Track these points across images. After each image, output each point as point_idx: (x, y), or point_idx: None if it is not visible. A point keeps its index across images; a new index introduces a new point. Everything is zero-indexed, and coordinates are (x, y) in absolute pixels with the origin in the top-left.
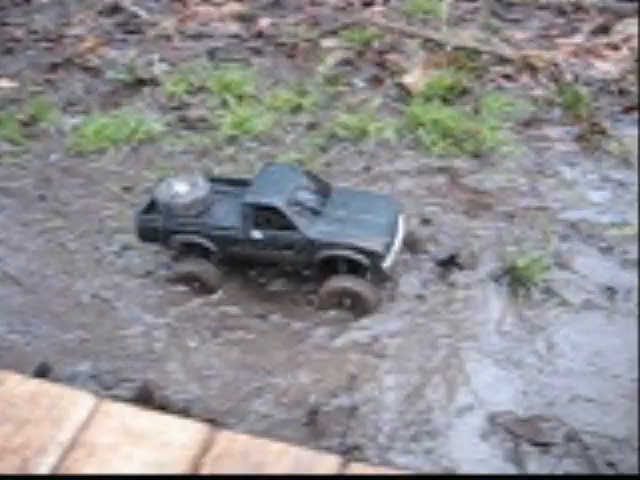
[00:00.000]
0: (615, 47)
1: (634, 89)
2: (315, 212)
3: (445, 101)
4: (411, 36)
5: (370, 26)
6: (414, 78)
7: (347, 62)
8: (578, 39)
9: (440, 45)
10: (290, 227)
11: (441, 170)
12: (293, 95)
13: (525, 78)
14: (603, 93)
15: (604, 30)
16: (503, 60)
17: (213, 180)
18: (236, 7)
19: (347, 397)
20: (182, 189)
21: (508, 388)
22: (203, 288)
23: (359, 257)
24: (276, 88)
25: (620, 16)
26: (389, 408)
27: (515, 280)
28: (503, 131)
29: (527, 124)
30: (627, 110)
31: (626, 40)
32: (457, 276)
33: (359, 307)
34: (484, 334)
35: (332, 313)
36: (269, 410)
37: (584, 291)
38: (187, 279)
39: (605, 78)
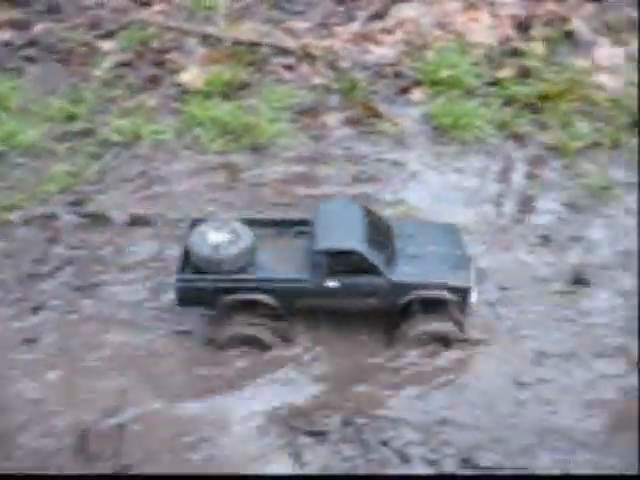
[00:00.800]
0: (389, 31)
1: (408, 71)
2: (389, 252)
3: (225, 96)
4: (189, 33)
5: (149, 26)
6: (192, 75)
7: (125, 64)
8: (355, 26)
9: (220, 40)
10: (372, 271)
11: (220, 167)
12: (67, 103)
13: (305, 68)
14: (379, 77)
15: (380, 16)
16: (283, 51)
17: (247, 223)
18: (9, 13)
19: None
20: (221, 238)
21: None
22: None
23: (447, 295)
24: (50, 97)
25: (395, 1)
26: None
27: None
28: (282, 122)
29: (306, 113)
30: (402, 91)
31: (400, 24)
32: None
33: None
34: None
35: None
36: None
37: None
38: (242, 341)
39: (381, 62)
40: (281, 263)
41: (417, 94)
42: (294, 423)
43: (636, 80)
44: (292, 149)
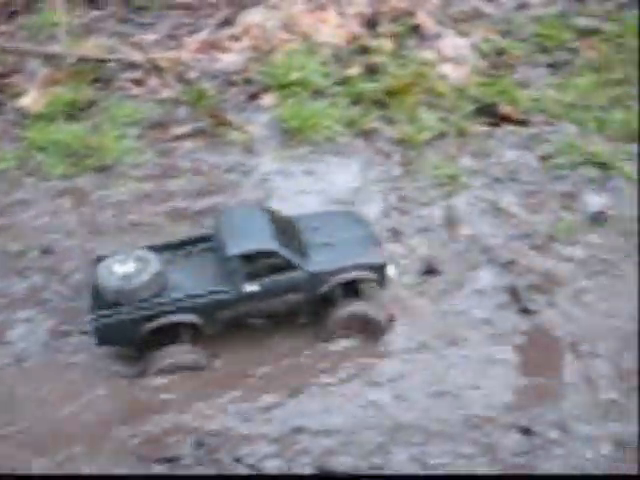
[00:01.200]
0: (237, 38)
1: (257, 77)
2: (300, 246)
3: (70, 117)
4: (31, 54)
5: None
6: (32, 99)
7: None
8: (203, 35)
9: (64, 59)
10: (288, 267)
11: (66, 192)
12: None
13: (153, 81)
14: (228, 85)
15: (228, 23)
16: (130, 65)
17: (149, 250)
18: None
19: None
20: (128, 268)
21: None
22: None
23: (366, 274)
24: None
25: (244, 7)
26: None
27: None
28: (129, 139)
29: (154, 127)
30: (252, 98)
31: (247, 30)
32: None
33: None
34: None
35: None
36: None
37: None
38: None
39: (229, 70)
40: (195, 281)
41: (267, 99)
42: (144, 452)
43: (481, 68)
44: (140, 166)
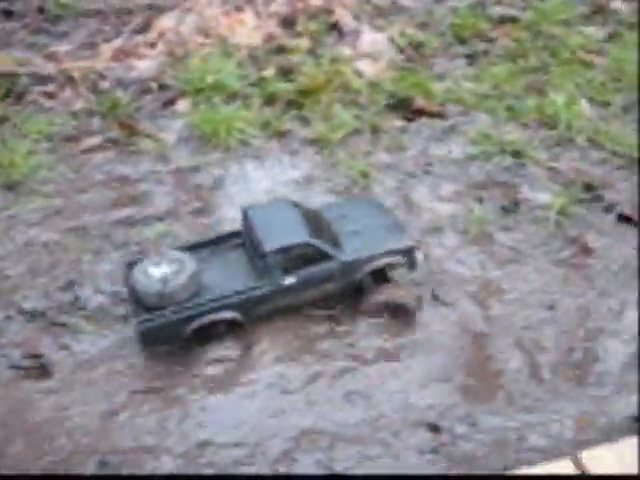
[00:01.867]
0: (152, 44)
1: (173, 82)
2: (330, 236)
3: None
4: None
5: None
6: None
7: None
8: (118, 42)
9: None
10: (323, 258)
11: None
12: None
13: (67, 93)
14: (143, 92)
15: (144, 29)
16: (43, 78)
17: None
18: None
19: None
20: (164, 271)
21: None
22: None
23: (398, 259)
24: None
25: (160, 11)
26: None
27: None
28: (39, 154)
29: (66, 141)
30: (167, 104)
31: (162, 35)
32: None
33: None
34: None
35: None
36: None
37: None
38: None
39: (144, 77)
40: (231, 278)
41: (182, 105)
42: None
43: (397, 62)
44: (50, 182)
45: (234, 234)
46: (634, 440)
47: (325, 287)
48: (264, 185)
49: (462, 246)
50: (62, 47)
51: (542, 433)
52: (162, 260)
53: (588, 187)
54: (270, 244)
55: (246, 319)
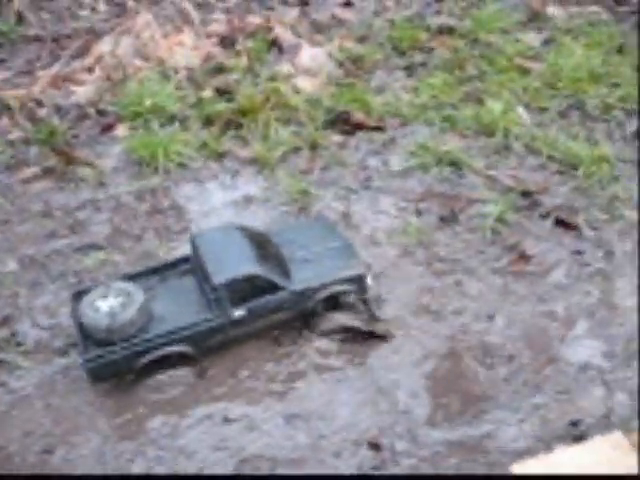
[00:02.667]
0: (90, 69)
1: (111, 107)
2: (280, 264)
3: None
4: None
5: None
6: None
7: None
8: (56, 68)
9: None
10: (273, 289)
11: None
12: None
13: (4, 122)
14: (81, 119)
15: (82, 54)
16: None
17: (128, 279)
18: None
19: None
20: (111, 304)
21: None
22: None
23: (348, 287)
24: None
25: (98, 36)
26: None
27: None
28: None
29: (2, 171)
30: (105, 130)
31: (99, 59)
32: None
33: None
34: None
35: None
36: None
37: None
38: None
39: (81, 103)
40: (180, 309)
41: (121, 130)
42: None
43: (336, 77)
44: None
45: (182, 260)
46: (571, 448)
47: (275, 317)
48: (204, 208)
49: (401, 260)
50: (1, 74)
51: (483, 445)
52: (108, 292)
53: (525, 194)
54: (219, 277)
55: (197, 351)
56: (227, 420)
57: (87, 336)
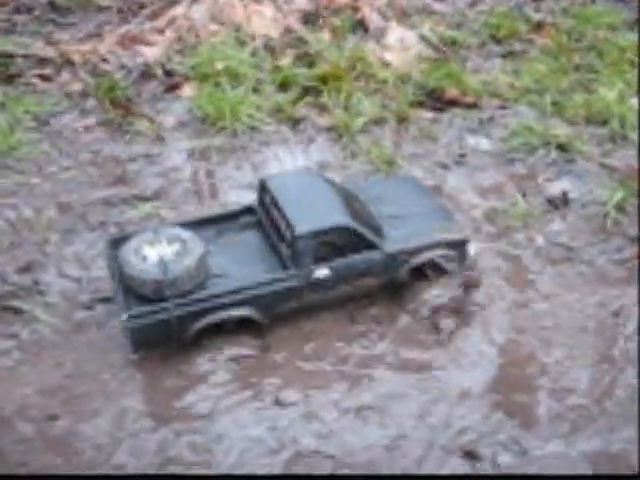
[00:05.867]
0: (160, 31)
1: (179, 68)
2: (370, 220)
3: None
4: None
5: None
6: None
7: None
8: (125, 29)
9: None
10: (364, 247)
11: None
12: None
13: (64, 76)
14: (147, 77)
15: (156, 16)
16: (41, 61)
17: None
18: None
19: None
20: (163, 252)
21: None
22: None
23: (448, 253)
24: None
25: (173, 2)
26: None
27: None
28: (23, 132)
29: (54, 120)
30: (170, 89)
31: (171, 22)
32: None
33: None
34: None
35: None
36: None
37: None
38: None
39: (149, 62)
40: (245, 265)
41: (187, 90)
42: None
43: (428, 55)
44: (30, 159)
45: (246, 210)
46: None
47: (361, 283)
48: (270, 171)
49: (500, 243)
50: (68, 35)
51: None
52: (159, 238)
53: None
54: (301, 227)
55: (264, 317)
56: (280, 404)
57: (129, 290)
